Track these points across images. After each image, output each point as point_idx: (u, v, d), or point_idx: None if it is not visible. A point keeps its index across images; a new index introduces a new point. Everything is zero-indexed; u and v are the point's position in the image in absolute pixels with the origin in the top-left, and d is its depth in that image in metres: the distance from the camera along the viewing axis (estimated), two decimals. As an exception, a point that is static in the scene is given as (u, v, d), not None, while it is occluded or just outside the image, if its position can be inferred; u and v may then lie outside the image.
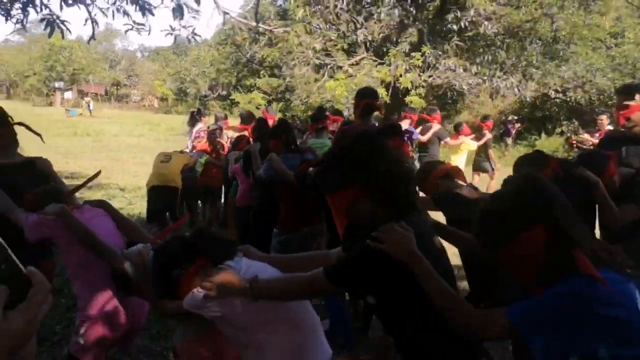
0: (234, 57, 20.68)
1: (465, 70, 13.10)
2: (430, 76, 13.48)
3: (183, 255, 1.64)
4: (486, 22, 13.04)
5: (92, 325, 2.24)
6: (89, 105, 33.66)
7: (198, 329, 1.79)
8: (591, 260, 1.23)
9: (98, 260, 2.17)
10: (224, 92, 42.83)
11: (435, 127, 8.08)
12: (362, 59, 14.35)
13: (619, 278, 1.24)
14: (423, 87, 13.72)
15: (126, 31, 5.25)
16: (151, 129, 24.23)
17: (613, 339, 1.19)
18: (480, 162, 9.28)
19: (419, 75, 13.65)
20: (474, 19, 13.22)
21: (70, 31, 4.67)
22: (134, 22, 4.68)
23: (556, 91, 15.05)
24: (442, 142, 8.20)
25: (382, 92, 13.85)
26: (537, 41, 15.75)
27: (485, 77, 13.17)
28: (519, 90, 13.81)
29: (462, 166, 8.86)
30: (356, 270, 1.44)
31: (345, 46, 15.33)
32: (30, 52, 48.67)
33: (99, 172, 2.81)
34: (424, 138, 7.86)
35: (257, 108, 42.05)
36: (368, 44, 14.85)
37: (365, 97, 3.65)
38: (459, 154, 8.83)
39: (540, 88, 14.74)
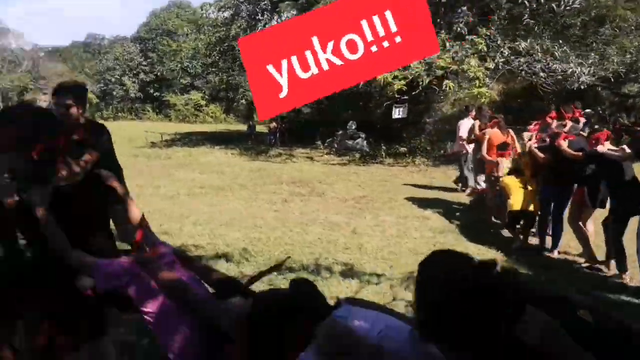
0: (221, 47, 15.92)
1: (547, 52, 10.63)
2: (499, 62, 10.91)
3: None
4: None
5: None
6: None
7: None
8: None
9: None
10: (157, 93, 37.67)
11: None
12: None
13: None
14: (488, 76, 11.16)
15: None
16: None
17: None
18: None
19: (482, 62, 11.06)
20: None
21: None
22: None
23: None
24: None
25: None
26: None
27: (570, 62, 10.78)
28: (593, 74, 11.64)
29: None
30: None
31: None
32: None
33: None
34: None
35: (198, 109, 37.46)
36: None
37: None
38: None
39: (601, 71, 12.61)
